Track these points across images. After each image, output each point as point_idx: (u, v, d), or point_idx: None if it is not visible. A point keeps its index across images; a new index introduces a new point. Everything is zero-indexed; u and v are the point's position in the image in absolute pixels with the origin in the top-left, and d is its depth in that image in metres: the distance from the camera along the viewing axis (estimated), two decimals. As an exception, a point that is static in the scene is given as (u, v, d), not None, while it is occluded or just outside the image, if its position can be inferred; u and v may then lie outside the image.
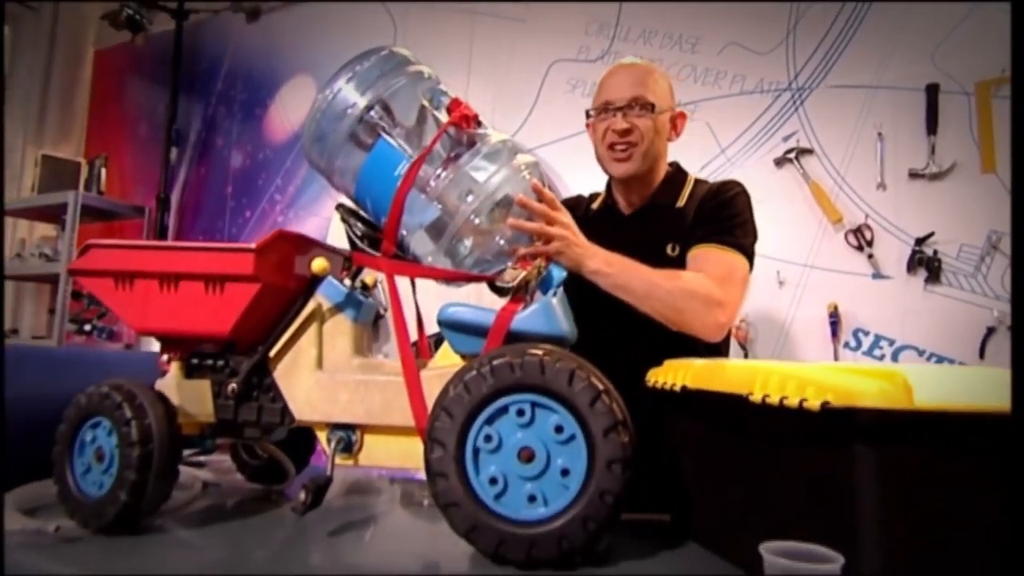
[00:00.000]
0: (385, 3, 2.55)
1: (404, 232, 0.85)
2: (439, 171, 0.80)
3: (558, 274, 0.84)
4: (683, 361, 0.84)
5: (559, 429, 0.69)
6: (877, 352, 1.78)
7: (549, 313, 0.79)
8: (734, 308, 1.07)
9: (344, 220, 0.88)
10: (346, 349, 0.88)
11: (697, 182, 1.25)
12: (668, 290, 1.00)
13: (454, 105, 0.85)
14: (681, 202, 1.21)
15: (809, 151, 1.85)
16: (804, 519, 0.59)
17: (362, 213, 0.90)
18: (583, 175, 1.46)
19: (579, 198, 1.38)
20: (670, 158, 1.27)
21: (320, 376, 0.86)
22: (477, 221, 0.82)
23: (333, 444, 0.85)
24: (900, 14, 1.77)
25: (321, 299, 0.88)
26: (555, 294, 0.81)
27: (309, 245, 0.89)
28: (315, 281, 0.85)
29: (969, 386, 0.52)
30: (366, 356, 0.92)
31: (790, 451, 0.61)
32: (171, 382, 0.85)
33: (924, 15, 1.74)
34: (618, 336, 1.07)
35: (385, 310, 2.35)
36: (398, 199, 0.80)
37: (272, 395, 0.86)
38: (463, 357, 0.84)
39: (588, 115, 1.24)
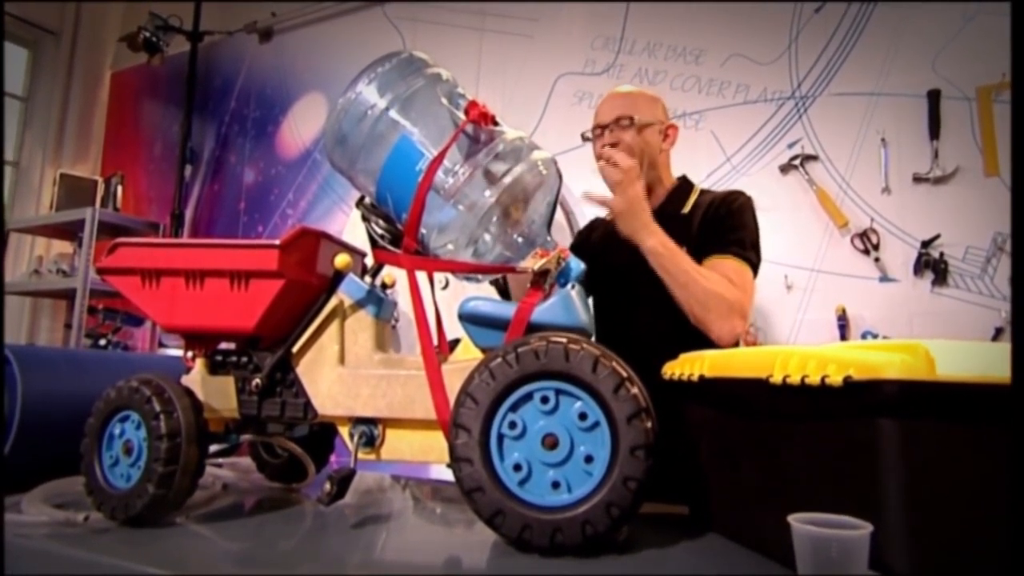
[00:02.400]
0: (395, 22, 2.60)
1: (424, 229, 0.87)
2: (458, 167, 0.83)
3: (576, 266, 0.86)
4: (699, 353, 0.85)
5: (583, 416, 0.70)
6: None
7: (569, 305, 0.81)
8: (747, 320, 1.12)
9: (365, 218, 0.90)
10: (368, 345, 0.89)
11: (702, 191, 1.30)
12: (703, 287, 1.08)
13: (471, 105, 0.87)
14: (686, 209, 1.25)
15: (814, 158, 1.88)
16: (827, 496, 0.60)
17: (383, 211, 0.92)
18: (590, 186, 1.48)
19: (597, 219, 1.46)
20: (678, 171, 1.33)
21: (342, 371, 0.87)
22: (496, 215, 0.84)
23: (356, 438, 0.86)
24: (900, 23, 1.81)
25: (343, 296, 0.90)
26: (574, 286, 0.83)
27: (331, 242, 0.91)
28: (338, 277, 0.86)
29: (989, 359, 0.53)
30: (387, 352, 0.94)
31: (811, 430, 0.62)
32: (196, 378, 0.86)
33: (923, 23, 1.78)
34: (637, 329, 1.10)
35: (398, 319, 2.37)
36: (419, 195, 0.82)
37: (295, 390, 0.87)
38: (484, 352, 0.85)
39: (585, 139, 1.34)
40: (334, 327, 0.89)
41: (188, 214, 3.06)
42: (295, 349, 0.88)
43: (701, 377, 0.79)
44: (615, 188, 1.10)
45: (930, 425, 0.52)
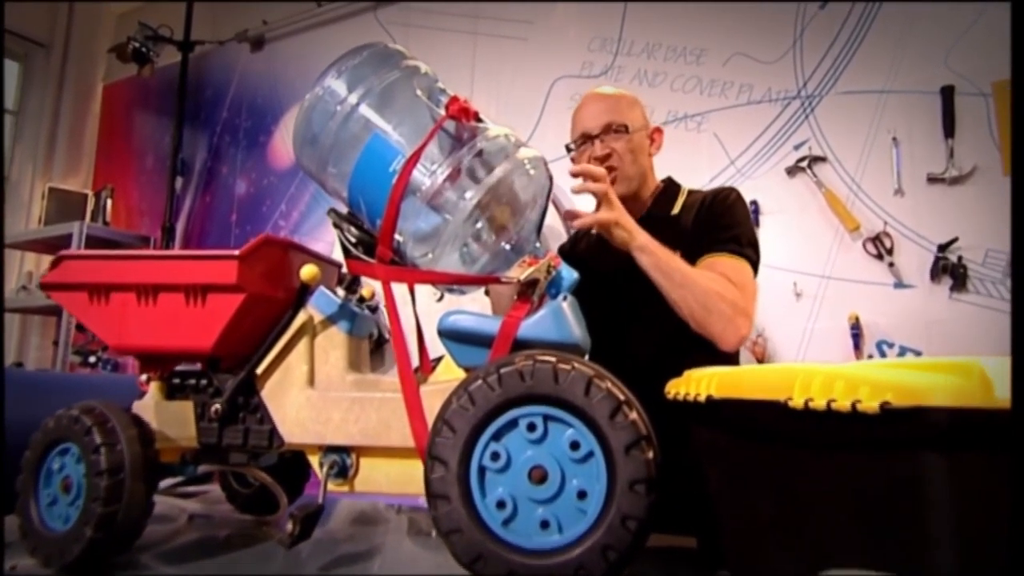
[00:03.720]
0: (387, 27, 2.55)
1: (401, 237, 0.79)
2: (436, 167, 0.75)
3: (569, 275, 0.77)
4: (706, 370, 0.77)
5: (575, 445, 0.62)
6: (904, 366, 1.69)
7: (560, 318, 0.72)
8: (752, 321, 1.03)
9: (336, 225, 0.82)
10: (339, 365, 0.81)
11: (690, 192, 1.23)
12: (703, 287, 0.99)
13: (452, 100, 0.79)
14: (675, 210, 1.18)
15: (822, 159, 1.80)
16: (854, 537, 0.51)
17: (356, 218, 0.84)
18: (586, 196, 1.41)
19: (572, 237, 1.38)
20: (681, 175, 1.26)
21: (311, 394, 0.79)
22: (478, 219, 0.76)
23: (325, 468, 0.78)
24: (909, 18, 1.73)
25: (312, 311, 0.82)
26: (566, 298, 0.74)
27: (298, 252, 0.83)
28: (304, 291, 0.78)
29: (1052, 380, 0.44)
30: (362, 372, 0.85)
31: (838, 461, 0.54)
32: (150, 404, 0.78)
33: (933, 18, 1.70)
34: (633, 346, 1.01)
35: (382, 339, 2.29)
36: (393, 198, 0.75)
37: (259, 416, 0.79)
38: (467, 371, 0.77)
39: (569, 149, 1.25)
40: (302, 345, 0.80)
41: (179, 227, 3.00)
42: (259, 370, 0.80)
43: (709, 398, 0.70)
44: (602, 200, 1.02)
45: (986, 460, 0.44)
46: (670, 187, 1.23)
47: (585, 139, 1.20)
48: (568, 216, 1.01)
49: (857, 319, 1.70)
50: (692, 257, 1.07)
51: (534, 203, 0.81)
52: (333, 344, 0.81)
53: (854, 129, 1.76)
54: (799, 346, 1.79)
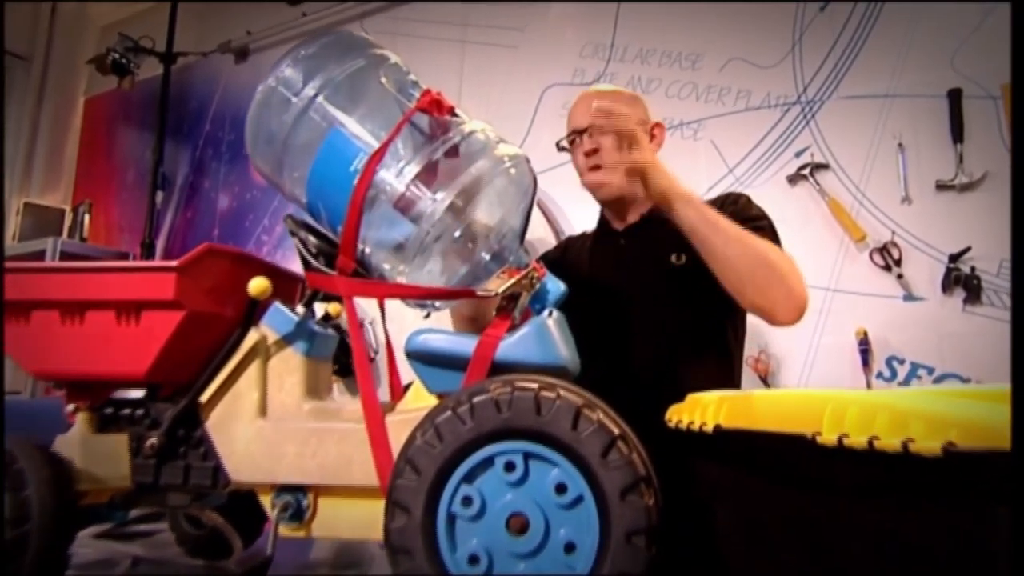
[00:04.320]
0: (373, 37, 2.48)
1: (366, 246, 0.69)
2: (403, 165, 0.66)
3: (555, 288, 0.68)
4: (713, 394, 0.67)
5: (561, 489, 0.52)
6: (915, 382, 1.60)
7: (544, 337, 0.63)
8: (806, 290, 0.90)
9: (293, 233, 0.73)
10: (296, 391, 0.71)
11: None
12: (760, 244, 0.85)
13: (425, 93, 0.71)
14: None
15: (824, 166, 1.72)
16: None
17: (317, 225, 0.75)
18: (581, 203, 1.32)
19: (570, 238, 1.27)
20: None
21: (263, 425, 0.70)
22: (451, 225, 0.66)
23: (277, 511, 0.68)
24: (912, 20, 1.66)
25: (266, 330, 0.72)
26: (551, 313, 0.65)
27: (250, 263, 0.73)
28: (254, 307, 0.69)
29: None
30: (323, 399, 0.76)
31: (880, 512, 0.44)
32: (75, 438, 0.68)
33: (938, 19, 1.64)
34: (629, 367, 0.91)
35: (376, 352, 2.18)
36: (355, 200, 0.65)
37: (203, 451, 0.69)
38: (440, 398, 0.67)
39: (559, 147, 1.14)
40: (253, 370, 0.71)
41: (160, 243, 2.90)
42: (203, 398, 0.70)
43: (717, 428, 0.60)
44: (630, 141, 0.87)
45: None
46: None
47: (575, 134, 1.10)
48: (587, 178, 0.88)
49: (865, 334, 1.61)
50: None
51: (516, 206, 0.72)
52: (289, 368, 0.72)
53: (858, 135, 1.68)
54: (804, 362, 1.70)
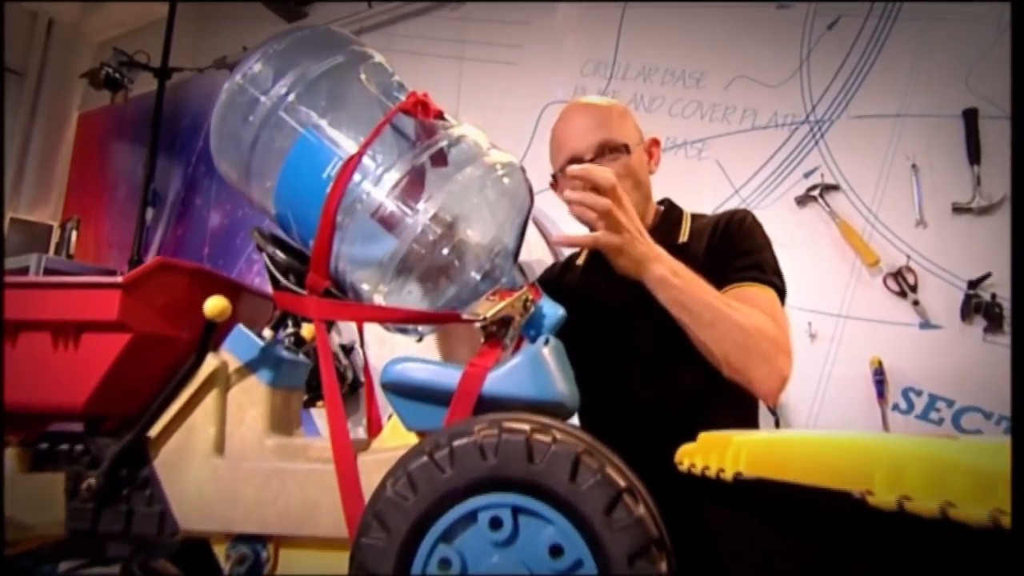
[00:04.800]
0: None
1: (340, 262, 0.62)
2: (382, 171, 0.58)
3: (553, 312, 0.60)
4: (732, 436, 0.59)
5: (556, 551, 0.44)
6: (933, 415, 1.51)
7: (539, 369, 0.55)
8: (792, 360, 0.83)
9: (260, 248, 0.65)
10: (258, 426, 0.63)
11: (694, 216, 1.05)
12: (739, 323, 0.79)
13: (411, 95, 0.64)
14: (683, 238, 0.99)
15: (835, 187, 1.65)
16: None
17: (288, 240, 0.67)
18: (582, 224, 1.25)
19: (568, 258, 1.17)
20: (676, 202, 1.08)
21: (219, 465, 0.61)
22: (436, 239, 0.59)
23: (232, 563, 0.59)
24: (924, 37, 1.62)
25: (226, 356, 0.64)
26: (548, 341, 0.57)
27: (211, 281, 0.65)
28: (211, 330, 0.61)
29: None
30: (292, 433, 0.67)
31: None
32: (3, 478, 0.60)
33: (951, 36, 1.59)
34: (635, 403, 0.82)
35: (357, 382, 2.10)
36: (328, 210, 0.58)
37: (149, 493, 0.61)
38: (420, 436, 0.59)
39: (554, 178, 1.03)
40: (211, 401, 0.63)
41: (149, 260, 2.83)
42: (153, 433, 0.62)
43: (738, 477, 0.52)
44: (604, 217, 0.78)
45: None
46: (672, 211, 1.06)
47: (574, 164, 0.96)
48: (557, 241, 0.81)
49: (880, 363, 1.53)
50: None
51: (509, 220, 0.64)
52: (251, 399, 0.63)
53: (869, 155, 1.62)
54: (815, 393, 1.61)
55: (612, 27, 2.03)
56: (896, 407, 1.53)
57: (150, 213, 2.81)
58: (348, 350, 2.23)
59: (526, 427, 0.46)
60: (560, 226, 1.95)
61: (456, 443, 0.46)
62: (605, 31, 2.04)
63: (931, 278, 1.54)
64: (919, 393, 1.52)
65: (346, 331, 2.18)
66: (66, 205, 3.27)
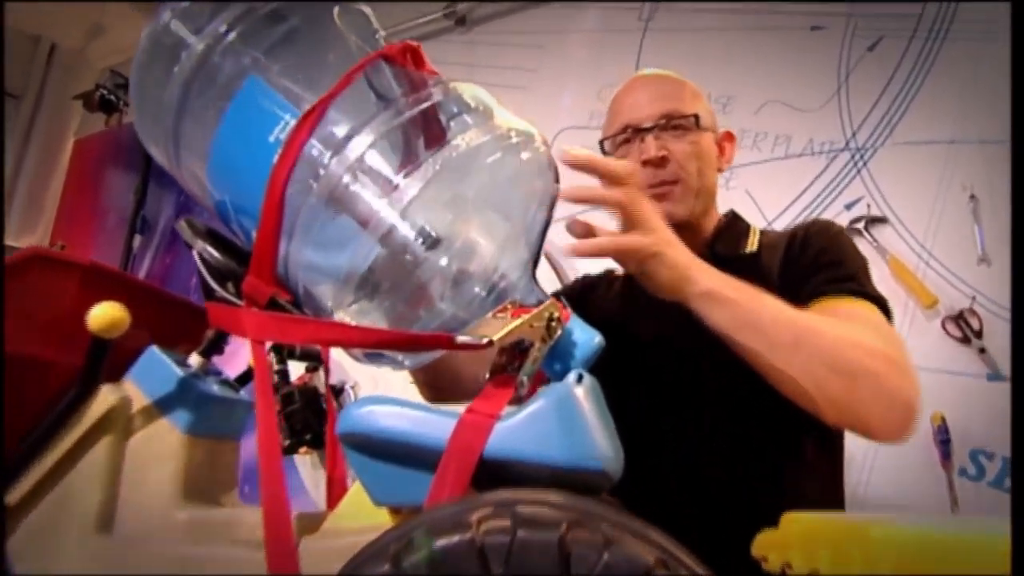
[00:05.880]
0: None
1: (295, 264, 0.44)
2: (350, 134, 0.42)
3: (588, 339, 0.42)
4: (827, 519, 0.42)
5: None
6: (1008, 483, 1.30)
7: (571, 418, 0.37)
8: (918, 388, 0.61)
9: (188, 244, 0.48)
10: (164, 491, 0.44)
11: (762, 232, 0.88)
12: (832, 340, 0.56)
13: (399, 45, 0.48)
14: (751, 247, 0.82)
15: (882, 220, 1.49)
16: None
17: (228, 235, 0.50)
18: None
19: (586, 277, 1.00)
20: None
21: (104, 548, 0.42)
22: (423, 232, 0.42)
23: None
24: (975, 57, 1.48)
25: (130, 389, 0.46)
26: (581, 378, 0.39)
27: (115, 284, 0.48)
28: (102, 352, 0.43)
29: None
30: (219, 502, 0.49)
31: None
32: None
33: (1005, 56, 1.45)
34: (690, 463, 0.63)
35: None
36: (274, 187, 0.41)
37: (-4, 590, 0.42)
38: (393, 514, 0.41)
39: (603, 147, 0.88)
40: (100, 453, 0.44)
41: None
42: (11, 499, 0.43)
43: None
44: (631, 216, 0.57)
45: None
46: (736, 222, 0.88)
47: (628, 132, 0.82)
48: (569, 251, 0.58)
49: (943, 420, 1.33)
50: None
51: (525, 210, 0.47)
52: (158, 452, 0.45)
53: (920, 185, 1.46)
54: (865, 454, 1.40)
55: (630, 49, 1.92)
56: (964, 472, 1.32)
57: (138, 240, 2.68)
58: (338, 391, 2.04)
59: (557, 515, 0.27)
60: (576, 262, 1.78)
61: (441, 543, 0.27)
62: (623, 52, 1.93)
63: (998, 323, 1.35)
64: (990, 456, 1.31)
65: (336, 368, 1.99)
66: (54, 232, 3.15)
